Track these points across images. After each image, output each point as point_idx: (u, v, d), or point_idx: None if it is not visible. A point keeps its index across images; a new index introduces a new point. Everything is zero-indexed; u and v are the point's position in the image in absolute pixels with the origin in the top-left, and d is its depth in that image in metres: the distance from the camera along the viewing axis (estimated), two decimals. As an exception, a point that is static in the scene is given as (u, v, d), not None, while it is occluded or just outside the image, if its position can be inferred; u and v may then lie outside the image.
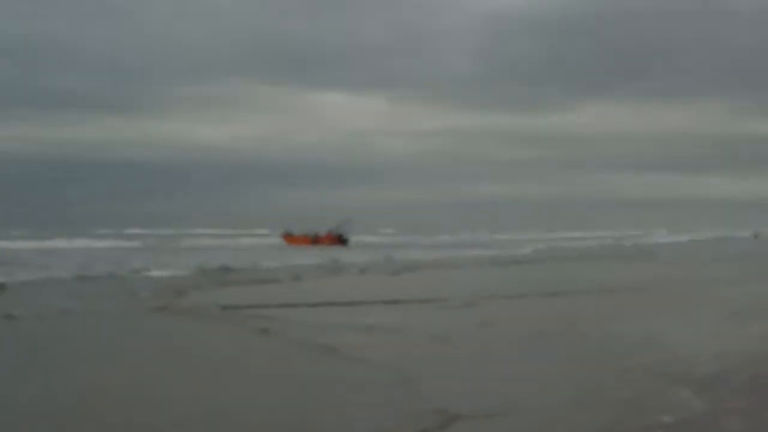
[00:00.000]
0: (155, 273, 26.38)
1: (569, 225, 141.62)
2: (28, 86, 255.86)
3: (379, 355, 10.03)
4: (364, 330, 12.44)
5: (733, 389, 8.01)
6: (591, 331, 12.50)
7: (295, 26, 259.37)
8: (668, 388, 7.99)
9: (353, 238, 68.12)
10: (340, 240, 66.53)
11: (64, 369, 9.33)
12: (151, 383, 8.53)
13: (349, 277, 27.44)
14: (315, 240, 65.92)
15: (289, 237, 68.25)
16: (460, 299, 17.25)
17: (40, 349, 10.74)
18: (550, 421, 6.72)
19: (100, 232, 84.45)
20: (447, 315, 14.96)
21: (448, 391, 7.92)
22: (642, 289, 20.79)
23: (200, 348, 11.07)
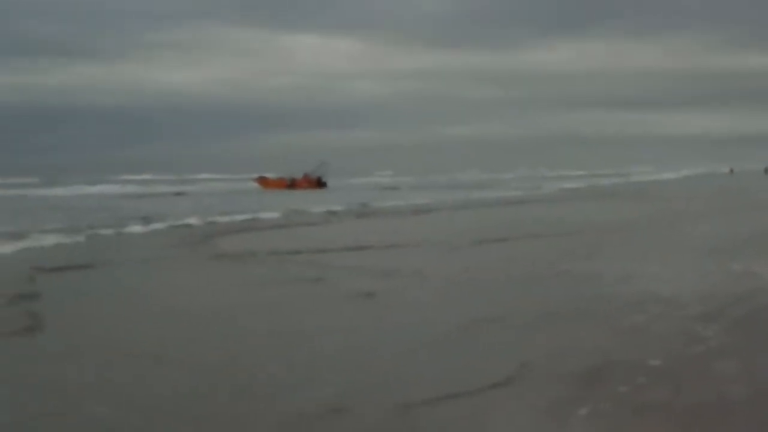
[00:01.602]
0: (190, 220, 26.23)
1: (555, 163, 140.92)
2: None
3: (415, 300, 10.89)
4: (399, 275, 13.19)
5: (722, 329, 8.43)
6: (588, 270, 13.08)
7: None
8: (658, 330, 8.48)
9: (332, 181, 65.70)
10: (318, 183, 64.07)
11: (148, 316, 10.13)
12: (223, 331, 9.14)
13: (371, 220, 28.08)
14: (291, 184, 63.17)
15: (263, 181, 65.32)
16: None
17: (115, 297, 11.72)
18: (538, 369, 7.13)
19: (111, 178, 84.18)
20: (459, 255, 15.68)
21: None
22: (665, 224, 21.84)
23: (266, 296, 11.70)
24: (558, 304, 10.26)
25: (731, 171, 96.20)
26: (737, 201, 35.48)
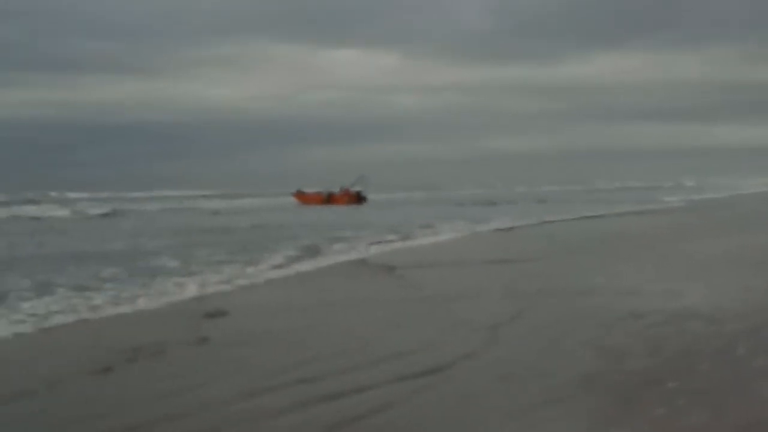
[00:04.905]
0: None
1: (617, 176, 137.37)
2: (42, 51, 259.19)
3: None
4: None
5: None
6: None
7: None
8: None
9: (371, 195, 62.31)
10: (358, 198, 61.23)
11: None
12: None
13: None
14: (328, 199, 60.71)
15: (301, 196, 63.25)
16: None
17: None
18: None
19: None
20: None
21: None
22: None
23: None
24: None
25: None
26: None
